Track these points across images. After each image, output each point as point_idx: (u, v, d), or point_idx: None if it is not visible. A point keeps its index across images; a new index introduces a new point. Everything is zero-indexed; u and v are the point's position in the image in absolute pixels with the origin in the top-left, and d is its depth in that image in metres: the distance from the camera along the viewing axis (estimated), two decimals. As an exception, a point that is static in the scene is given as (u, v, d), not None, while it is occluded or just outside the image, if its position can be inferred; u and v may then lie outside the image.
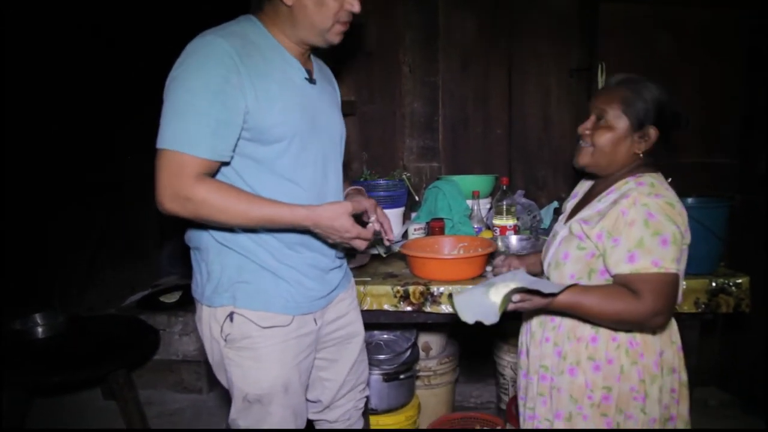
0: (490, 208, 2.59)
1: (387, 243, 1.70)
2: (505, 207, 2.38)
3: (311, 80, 1.51)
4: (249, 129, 1.34)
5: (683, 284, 1.51)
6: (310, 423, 1.75)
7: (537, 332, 1.59)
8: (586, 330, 1.47)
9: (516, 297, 1.35)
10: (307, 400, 1.69)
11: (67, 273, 3.16)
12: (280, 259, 1.45)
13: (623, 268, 1.35)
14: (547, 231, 2.49)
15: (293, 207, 1.36)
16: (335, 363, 1.69)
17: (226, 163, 1.37)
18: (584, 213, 1.51)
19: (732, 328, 2.95)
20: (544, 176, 3.04)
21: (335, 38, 1.47)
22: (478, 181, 2.64)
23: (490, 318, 1.29)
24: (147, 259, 3.86)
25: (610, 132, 1.46)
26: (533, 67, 2.98)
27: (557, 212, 2.62)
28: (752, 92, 2.79)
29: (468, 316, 1.32)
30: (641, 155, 1.48)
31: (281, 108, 1.38)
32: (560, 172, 3.02)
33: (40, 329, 2.66)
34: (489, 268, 2.16)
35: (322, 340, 1.62)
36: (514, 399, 2.47)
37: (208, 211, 1.29)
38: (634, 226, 1.34)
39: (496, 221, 2.40)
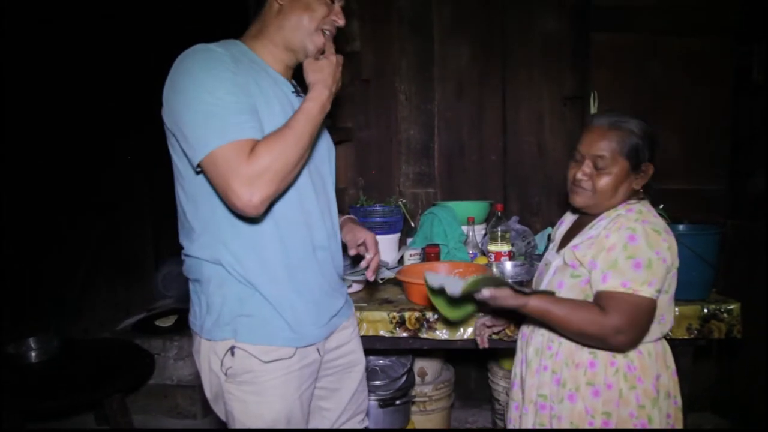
0: (485, 234, 2.61)
1: (369, 278, 1.68)
2: (499, 233, 2.41)
3: (297, 93, 1.54)
4: None
5: (676, 310, 1.53)
6: None
7: (533, 361, 1.59)
8: (584, 355, 1.48)
9: (486, 292, 1.41)
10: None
11: (61, 296, 3.15)
12: (284, 286, 1.42)
13: (598, 287, 1.41)
14: (542, 257, 2.51)
15: (304, 101, 1.37)
16: (336, 392, 1.66)
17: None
18: (576, 241, 1.54)
19: (726, 353, 2.96)
20: (539, 202, 3.07)
21: (314, 49, 1.49)
22: (473, 208, 2.67)
23: (454, 289, 1.39)
24: (142, 282, 3.85)
25: (610, 176, 1.47)
26: (527, 95, 3.03)
27: (551, 238, 2.65)
28: (741, 118, 2.85)
29: (434, 283, 1.45)
30: (640, 190, 1.52)
31: (277, 112, 1.39)
32: (554, 198, 3.05)
33: (33, 353, 2.65)
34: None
35: (323, 368, 1.59)
36: (510, 425, 2.47)
37: (281, 162, 1.26)
38: (613, 250, 1.40)
39: (491, 247, 2.41)
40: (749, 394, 2.81)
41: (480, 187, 3.07)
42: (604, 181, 1.48)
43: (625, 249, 1.39)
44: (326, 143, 1.64)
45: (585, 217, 1.60)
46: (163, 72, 1.35)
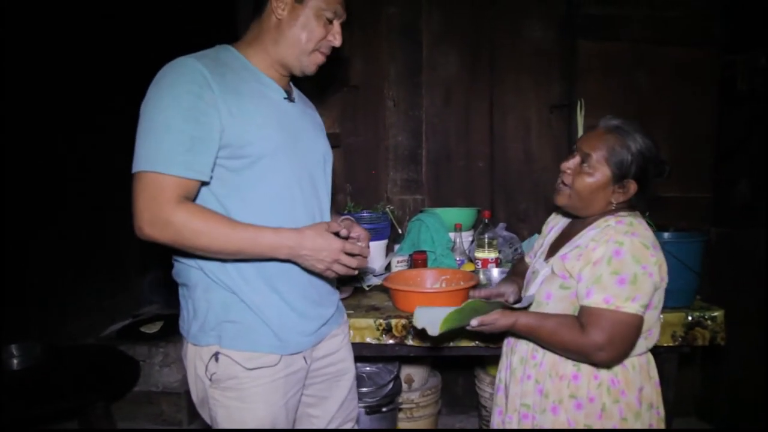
0: (472, 241, 2.62)
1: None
2: (486, 240, 2.41)
3: (290, 99, 1.53)
4: (227, 146, 1.33)
5: (660, 318, 1.53)
6: None
7: (518, 369, 1.59)
8: (567, 367, 1.48)
9: (474, 322, 1.43)
10: None
11: (44, 302, 3.11)
12: (266, 295, 1.42)
13: (582, 302, 1.41)
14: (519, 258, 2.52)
15: (277, 228, 1.36)
16: (325, 400, 1.65)
17: (205, 184, 1.35)
18: (564, 250, 1.52)
19: (710, 360, 2.98)
20: (526, 209, 3.08)
21: (311, 66, 1.51)
22: (461, 214, 2.67)
23: (433, 330, 1.40)
24: (128, 288, 3.82)
25: (590, 178, 1.46)
26: (514, 103, 3.04)
27: (538, 245, 2.66)
28: (725, 127, 2.88)
29: (419, 322, 1.46)
30: (615, 205, 1.50)
31: (259, 124, 1.38)
32: (541, 205, 3.06)
33: (15, 360, 2.61)
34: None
35: (311, 375, 1.59)
36: None
37: (188, 236, 1.26)
38: (599, 264, 1.38)
39: (478, 254, 2.42)
40: (733, 400, 2.84)
41: (467, 193, 3.08)
42: (583, 181, 1.47)
43: (609, 264, 1.36)
44: (321, 149, 1.63)
45: (574, 225, 1.59)
46: (153, 76, 1.35)
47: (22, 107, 2.91)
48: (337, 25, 1.50)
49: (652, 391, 1.50)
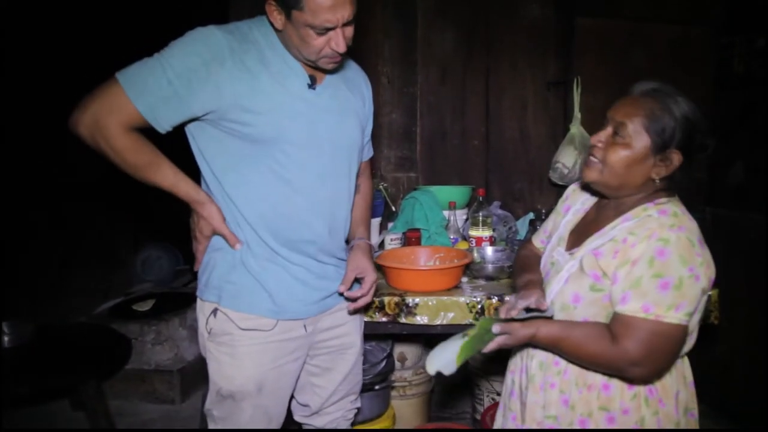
0: (467, 219, 2.61)
1: (348, 310, 1.65)
2: (481, 218, 2.40)
3: (312, 87, 1.48)
4: (232, 121, 1.38)
5: (699, 320, 1.31)
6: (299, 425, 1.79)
7: (537, 375, 1.38)
8: (597, 376, 1.29)
9: (496, 328, 1.25)
10: (298, 403, 1.73)
11: (36, 280, 3.09)
12: (268, 260, 1.47)
13: (616, 307, 1.22)
14: (524, 242, 2.50)
15: (194, 193, 1.45)
16: (328, 371, 1.68)
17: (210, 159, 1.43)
18: (595, 242, 1.31)
19: (703, 339, 2.99)
20: (521, 188, 3.07)
21: (326, 68, 1.46)
22: (455, 192, 2.66)
23: (449, 367, 1.24)
24: (120, 266, 3.81)
25: (626, 150, 1.25)
26: (510, 80, 3.01)
27: (533, 224, 2.64)
28: (721, 107, 2.86)
29: (431, 367, 1.26)
30: (657, 181, 1.28)
31: (267, 108, 1.39)
32: (536, 184, 3.05)
33: (6, 338, 2.59)
34: (465, 279, 2.17)
35: (315, 347, 1.63)
36: (489, 409, 2.48)
37: (115, 158, 1.36)
38: (638, 264, 1.19)
39: (473, 232, 2.41)
40: (725, 379, 2.86)
41: (462, 171, 3.06)
42: (618, 155, 1.25)
43: (651, 265, 1.17)
44: (346, 139, 1.57)
45: (603, 209, 1.38)
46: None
47: (11, 93, 2.86)
48: (335, 32, 1.36)
49: (688, 395, 1.35)
